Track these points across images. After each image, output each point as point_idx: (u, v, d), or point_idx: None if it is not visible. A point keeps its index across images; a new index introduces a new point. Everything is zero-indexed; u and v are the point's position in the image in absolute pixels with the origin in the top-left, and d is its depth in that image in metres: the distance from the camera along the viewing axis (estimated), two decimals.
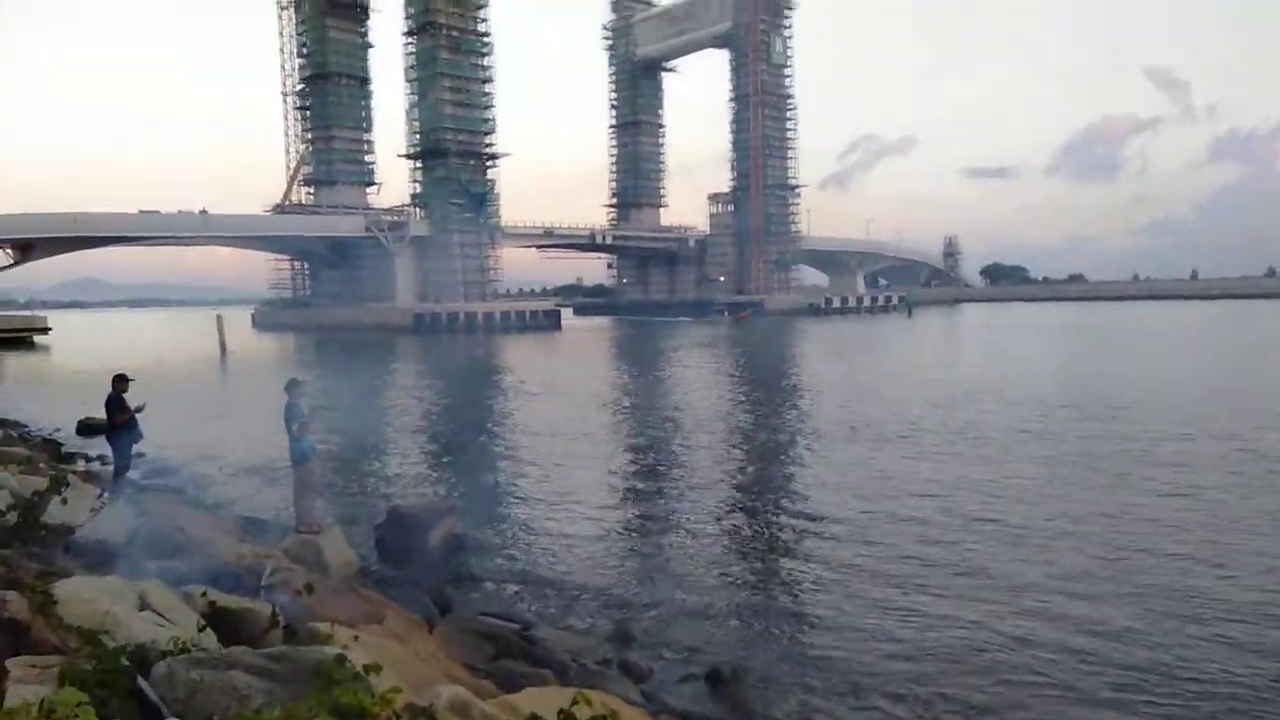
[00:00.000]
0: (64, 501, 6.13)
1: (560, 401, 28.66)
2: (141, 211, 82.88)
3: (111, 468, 10.88)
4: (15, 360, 56.07)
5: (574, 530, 13.32)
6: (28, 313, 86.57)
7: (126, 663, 3.24)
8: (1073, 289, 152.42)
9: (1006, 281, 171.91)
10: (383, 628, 6.70)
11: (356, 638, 5.26)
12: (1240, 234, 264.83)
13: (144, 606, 4.88)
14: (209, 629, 4.86)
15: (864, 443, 19.08)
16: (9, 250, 75.99)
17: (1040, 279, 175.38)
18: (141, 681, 3.21)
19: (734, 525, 13.26)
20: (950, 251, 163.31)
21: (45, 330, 75.84)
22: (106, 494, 7.63)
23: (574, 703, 4.06)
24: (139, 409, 10.68)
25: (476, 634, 8.42)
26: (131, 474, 13.29)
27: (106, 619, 4.32)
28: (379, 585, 9.84)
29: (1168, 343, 51.22)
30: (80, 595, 4.44)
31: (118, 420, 10.41)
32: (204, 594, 5.35)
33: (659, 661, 8.60)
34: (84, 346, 70.25)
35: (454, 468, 17.89)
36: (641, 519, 13.90)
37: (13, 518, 5.45)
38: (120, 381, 10.51)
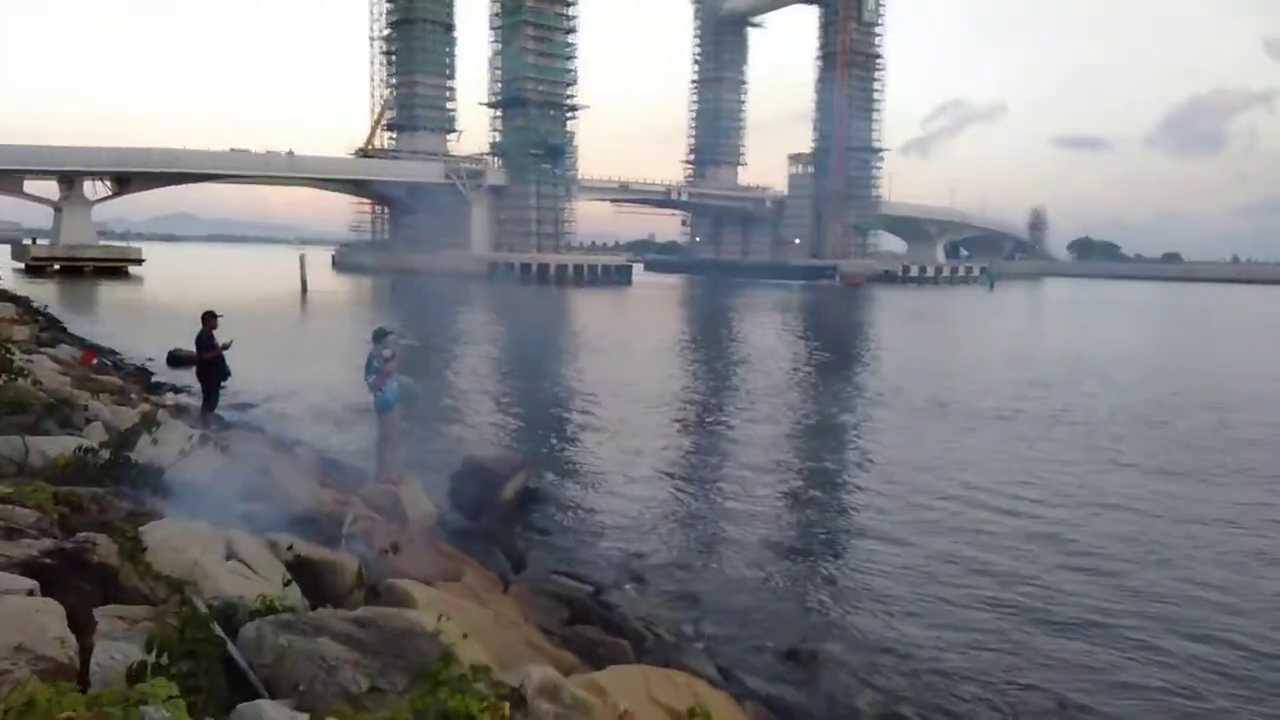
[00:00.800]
0: (154, 441, 6.12)
1: (630, 358, 28.50)
2: (232, 150, 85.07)
3: (200, 402, 11.03)
4: (111, 289, 58.45)
5: (643, 490, 13.17)
6: (124, 244, 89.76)
7: (218, 631, 3.08)
8: (1167, 269, 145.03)
9: (1096, 258, 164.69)
10: (462, 585, 6.58)
11: (440, 611, 5.09)
12: None
13: (230, 555, 4.79)
14: (294, 583, 4.75)
15: (948, 420, 18.42)
16: (108, 182, 78.96)
17: (1133, 256, 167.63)
18: (232, 648, 3.06)
19: (806, 497, 12.90)
20: (1036, 224, 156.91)
21: (139, 261, 78.75)
22: (195, 433, 7.64)
23: (662, 687, 3.84)
24: (226, 346, 10.77)
25: (551, 595, 8.30)
26: (219, 410, 13.57)
27: (195, 569, 4.21)
28: (455, 538, 9.81)
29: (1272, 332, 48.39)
30: (169, 542, 4.34)
31: (207, 356, 10.52)
32: (290, 547, 5.25)
33: (732, 637, 8.39)
34: (175, 278, 72.87)
35: (526, 420, 17.87)
36: (710, 484, 13.67)
37: (105, 454, 5.41)
38: (210, 318, 10.60)
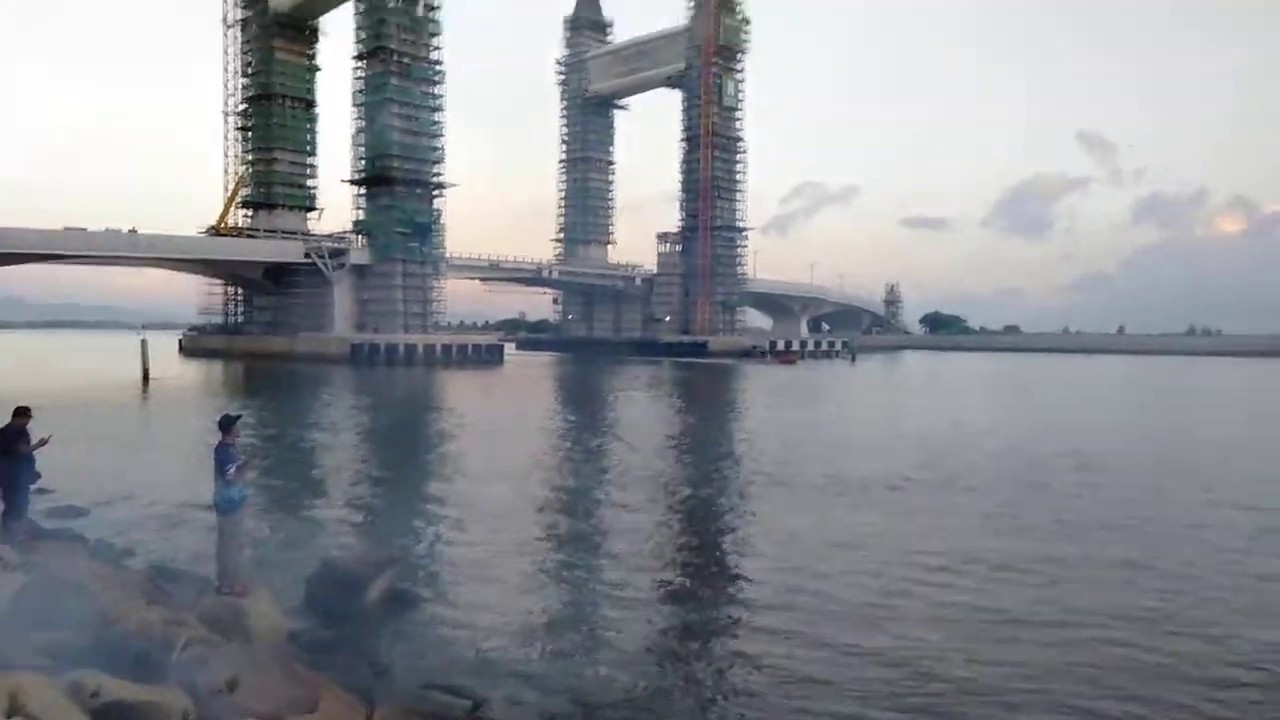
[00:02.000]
0: None
1: (503, 440, 27.58)
2: (67, 229, 79.25)
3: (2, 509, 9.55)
4: None
5: (522, 584, 12.34)
6: None
7: None
8: (1009, 340, 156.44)
9: (945, 330, 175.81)
10: (317, 716, 5.66)
11: None
12: (1162, 292, 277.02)
13: (14, 710, 3.82)
14: None
15: (840, 493, 18.38)
16: None
17: (978, 329, 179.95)
18: None
19: (696, 583, 12.38)
20: (891, 299, 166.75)
21: None
22: None
23: None
24: (42, 442, 9.43)
25: (424, 717, 7.39)
26: (33, 518, 11.90)
27: None
28: (310, 651, 8.72)
29: (1112, 396, 52.34)
30: None
31: (21, 450, 9.18)
32: (95, 693, 4.29)
33: None
34: None
35: (391, 514, 16.63)
36: (592, 573, 12.98)
37: None
38: (21, 415, 9.27)
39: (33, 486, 9.58)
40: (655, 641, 10.12)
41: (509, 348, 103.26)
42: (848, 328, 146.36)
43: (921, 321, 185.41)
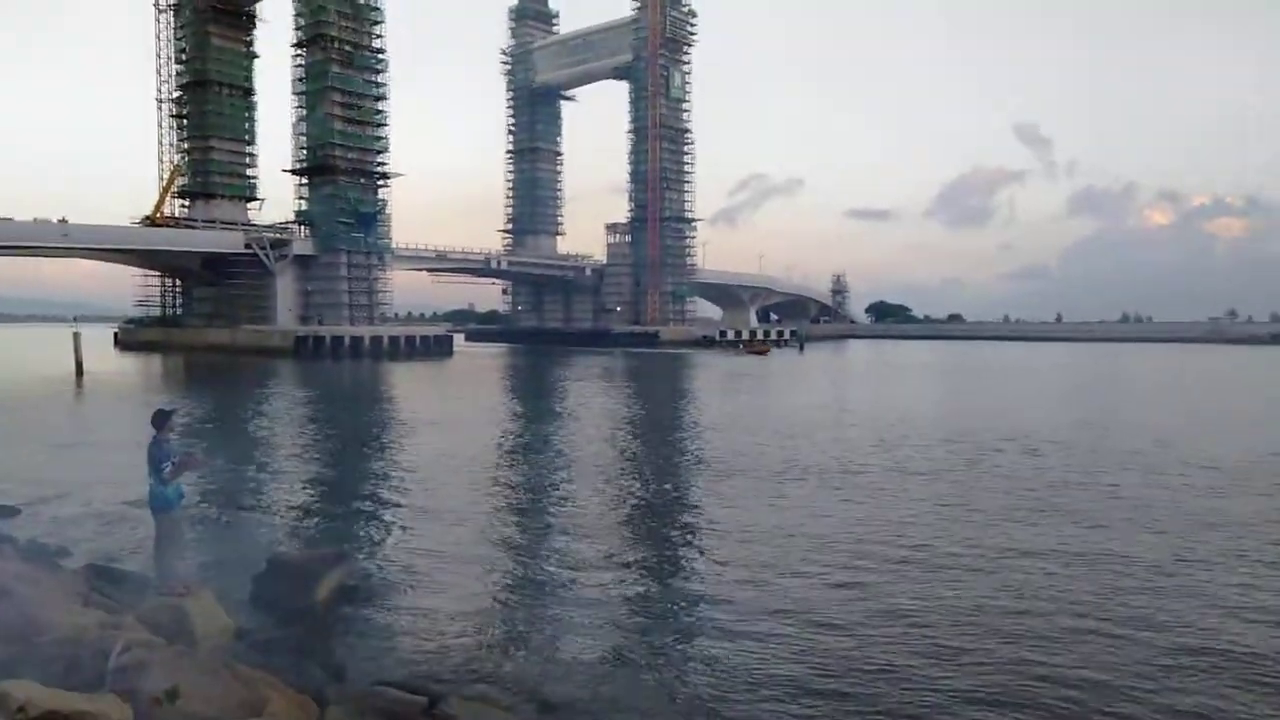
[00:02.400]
0: None
1: (455, 434, 27.16)
2: None
3: None
4: None
5: (477, 576, 12.14)
6: None
7: None
8: (952, 328, 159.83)
9: (891, 319, 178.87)
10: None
11: None
12: (1097, 282, 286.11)
13: None
14: None
15: (793, 478, 18.50)
16: None
17: (922, 317, 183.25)
18: None
19: (656, 571, 12.30)
20: (838, 289, 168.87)
21: None
22: None
23: None
24: None
25: (377, 714, 7.15)
26: None
27: None
28: (258, 651, 8.40)
29: (1052, 382, 53.67)
30: None
31: None
32: (21, 707, 4.01)
33: None
34: None
35: (340, 508, 16.24)
36: (549, 562, 12.85)
37: None
38: None
39: None
40: (612, 636, 9.98)
41: (458, 339, 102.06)
42: (796, 317, 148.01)
43: (868, 311, 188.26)
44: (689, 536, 14.44)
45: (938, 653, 8.86)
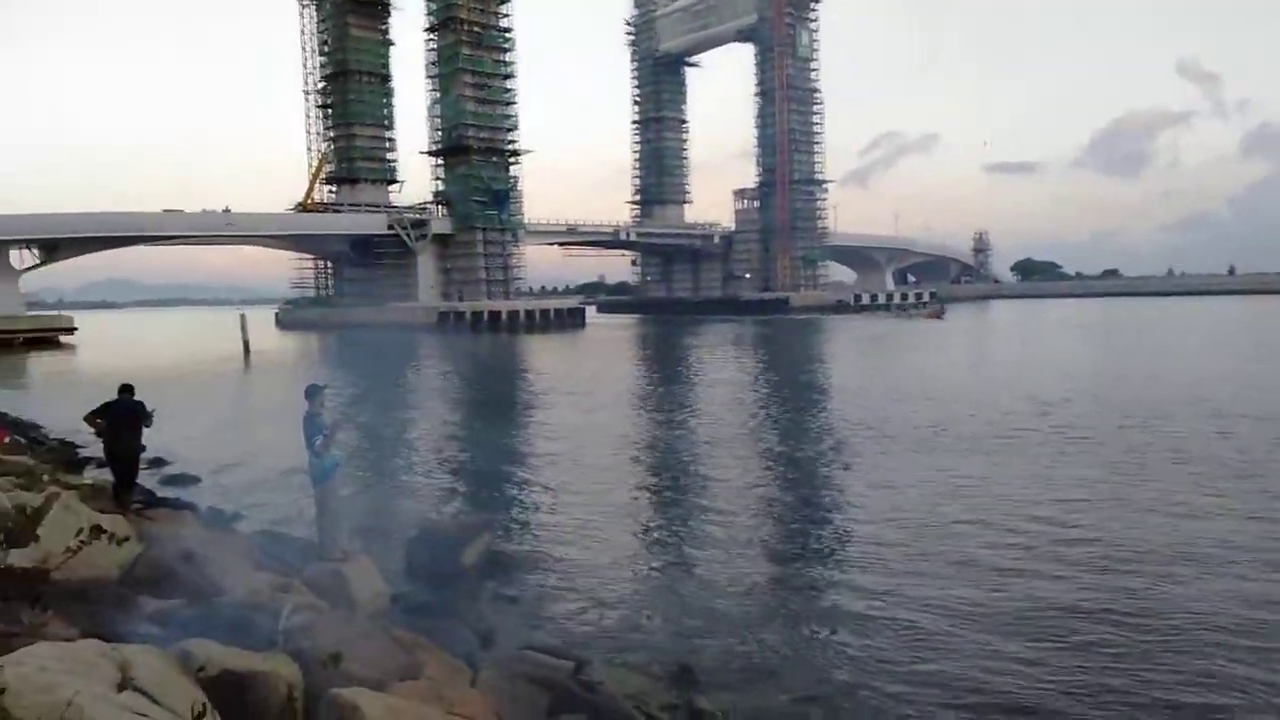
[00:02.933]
0: (36, 539, 5.07)
1: (591, 404, 27.55)
2: (165, 211, 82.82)
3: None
4: (42, 360, 55.88)
5: (617, 544, 12.26)
6: (54, 313, 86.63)
7: None
8: (1108, 284, 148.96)
9: (1039, 277, 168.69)
10: (422, 683, 5.59)
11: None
12: (1275, 229, 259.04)
13: (125, 683, 3.79)
14: (208, 714, 3.76)
15: (951, 447, 17.76)
16: (35, 250, 76.17)
17: (1074, 274, 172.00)
18: None
19: (793, 541, 12.06)
20: (980, 247, 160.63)
21: (71, 330, 75.90)
22: (101, 519, 6.56)
23: None
24: (149, 416, 9.65)
25: (526, 679, 7.31)
26: (145, 484, 12.33)
27: (68, 713, 3.22)
28: (412, 615, 8.78)
29: (1229, 339, 49.29)
30: (35, 680, 3.34)
31: (104, 426, 9.43)
32: (201, 669, 4.25)
33: (735, 710, 7.51)
34: (110, 346, 70.19)
35: (484, 477, 16.79)
36: (689, 530, 12.84)
37: None
38: (127, 390, 9.50)
39: (143, 456, 9.84)
40: (759, 601, 9.89)
41: (590, 311, 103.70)
42: (935, 278, 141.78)
43: (1013, 269, 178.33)
44: (836, 500, 14.06)
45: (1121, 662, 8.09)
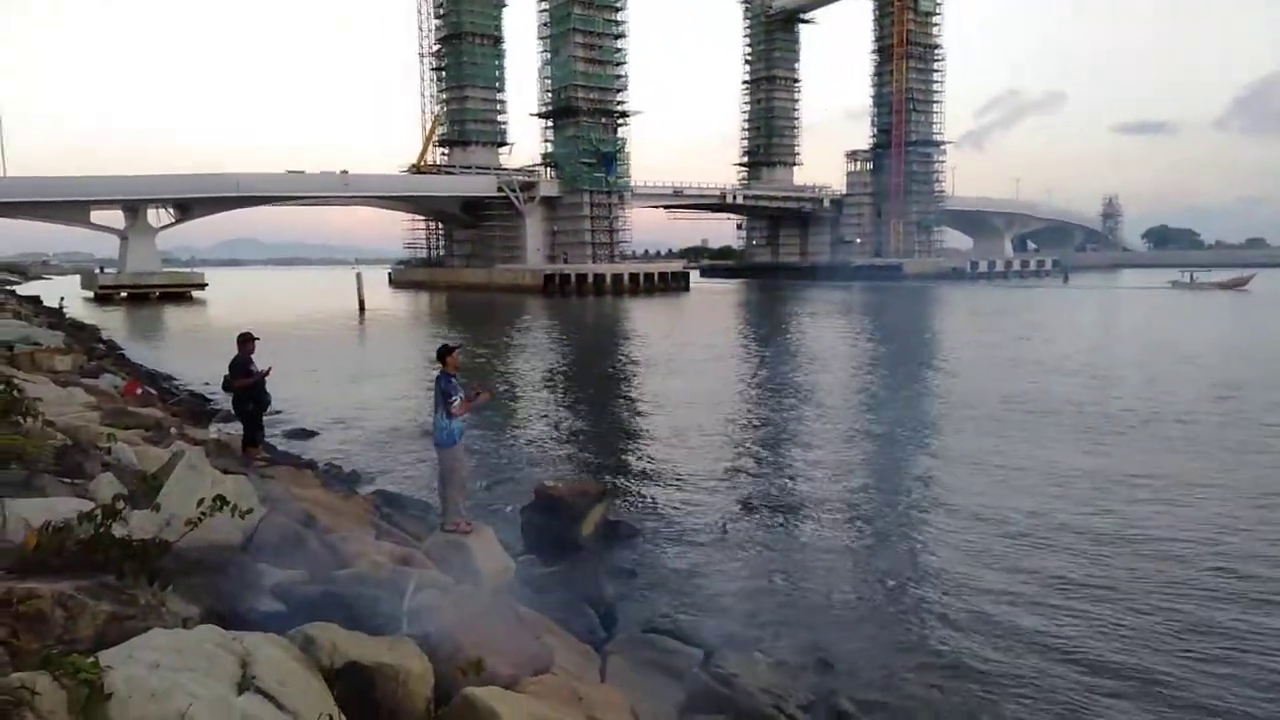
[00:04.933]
0: (156, 508, 4.76)
1: (698, 370, 26.88)
2: (288, 172, 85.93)
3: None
4: (176, 314, 59.02)
5: (731, 516, 11.70)
6: (188, 270, 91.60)
7: None
8: (1252, 254, 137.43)
9: (1174, 246, 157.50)
10: (555, 680, 5.09)
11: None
12: None
13: (246, 682, 3.36)
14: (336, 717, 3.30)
15: (1122, 431, 16.42)
16: (170, 209, 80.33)
17: (1212, 243, 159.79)
18: None
19: (927, 527, 11.15)
20: (1109, 213, 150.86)
21: (202, 286, 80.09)
22: (226, 481, 6.30)
23: None
24: (265, 373, 9.50)
25: (655, 666, 6.79)
26: (271, 440, 12.38)
27: None
28: (532, 589, 8.40)
29: None
30: (147, 683, 2.92)
31: (241, 385, 9.28)
32: (332, 652, 3.82)
33: (882, 712, 6.85)
34: (238, 301, 73.67)
35: (594, 442, 16.41)
36: (807, 502, 12.21)
37: (87, 529, 4.06)
38: (246, 341, 9.33)
39: (265, 413, 9.73)
40: (885, 584, 9.27)
41: (693, 275, 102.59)
42: (1058, 245, 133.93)
43: (1144, 237, 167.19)
44: (970, 478, 13.07)
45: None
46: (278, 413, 17.33)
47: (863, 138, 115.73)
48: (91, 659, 2.87)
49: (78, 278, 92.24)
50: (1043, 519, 10.99)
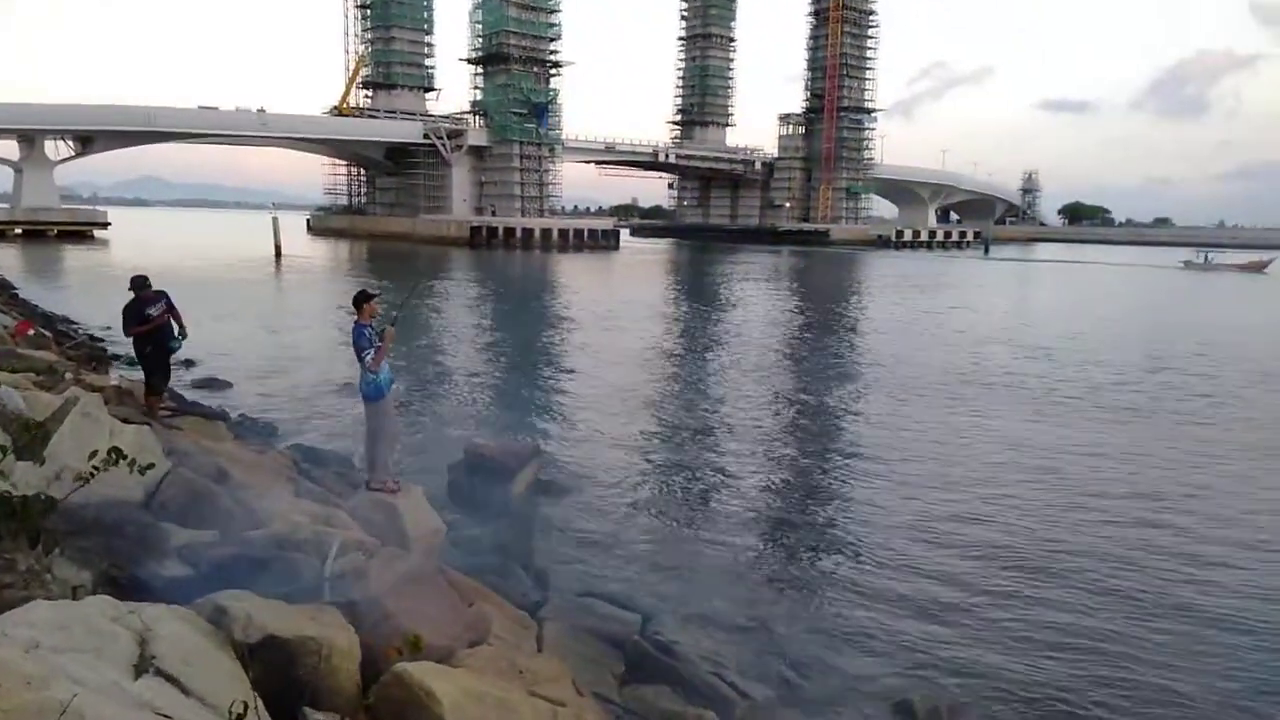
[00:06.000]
0: (42, 461, 4.19)
1: (626, 328, 26.60)
2: (201, 108, 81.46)
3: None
4: (75, 253, 55.62)
5: (663, 475, 11.56)
6: (89, 207, 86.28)
7: None
8: (1158, 233, 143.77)
9: (1087, 222, 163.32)
10: (492, 651, 4.75)
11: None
12: None
13: (145, 663, 2.92)
14: (251, 706, 2.88)
15: (1043, 402, 16.72)
16: (70, 142, 75.34)
17: (1123, 220, 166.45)
18: None
19: (860, 488, 11.15)
20: (1029, 187, 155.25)
21: (105, 225, 75.59)
22: (126, 434, 5.70)
23: None
24: (161, 316, 8.73)
25: (595, 635, 6.52)
26: (178, 389, 11.57)
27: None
28: (463, 551, 8.03)
29: None
30: (22, 667, 2.46)
31: (136, 331, 8.53)
32: (244, 628, 3.40)
33: (822, 677, 6.74)
34: (143, 242, 69.92)
35: (521, 400, 15.95)
36: (740, 458, 12.19)
37: None
38: (140, 284, 8.55)
39: (172, 359, 8.98)
40: (817, 547, 9.23)
41: (623, 233, 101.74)
42: (979, 218, 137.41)
43: (1060, 212, 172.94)
44: (887, 448, 13.17)
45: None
46: (190, 363, 16.37)
47: (796, 102, 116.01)
48: None
49: None
50: (991, 489, 11.10)
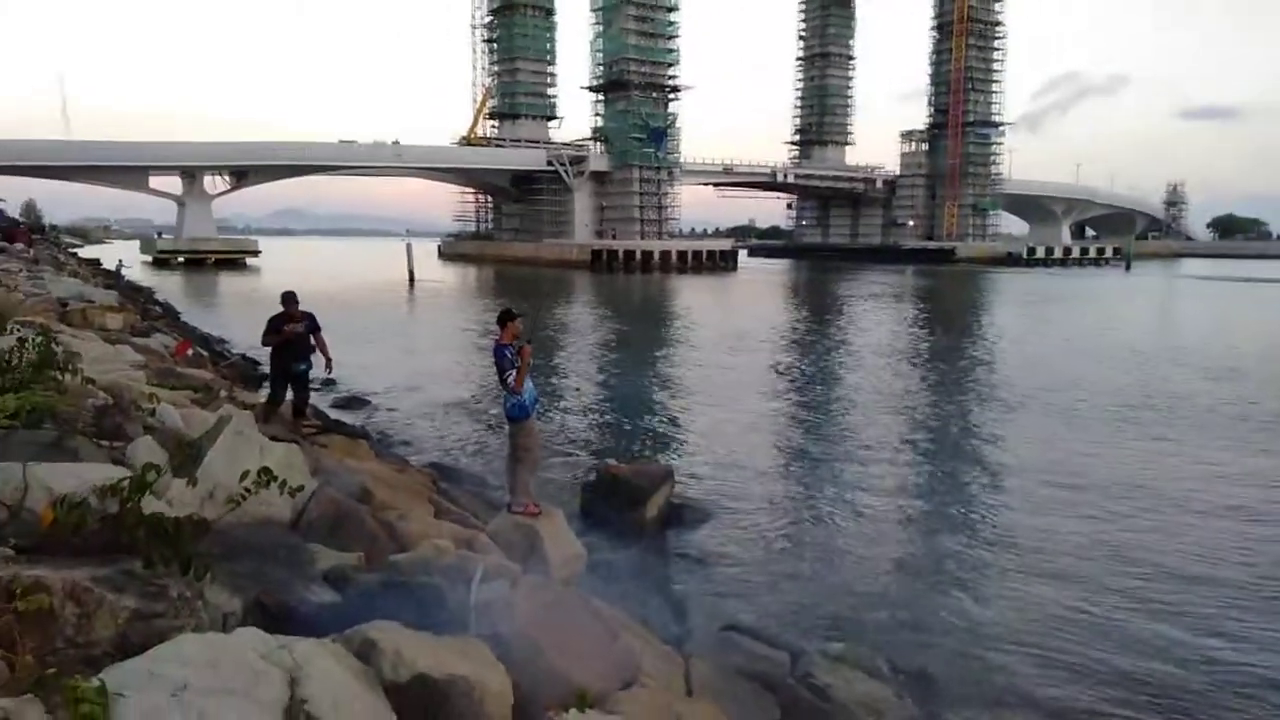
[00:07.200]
0: (191, 482, 4.11)
1: (751, 352, 25.97)
2: (341, 142, 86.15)
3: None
4: (230, 279, 59.51)
5: (802, 501, 10.95)
6: (242, 236, 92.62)
7: None
8: None
9: (1241, 236, 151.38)
10: (647, 695, 4.37)
11: None
12: None
13: (295, 708, 2.68)
14: None
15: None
16: (226, 176, 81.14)
17: None
18: None
19: (1011, 513, 10.25)
20: (1173, 200, 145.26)
21: (256, 253, 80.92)
22: (276, 453, 5.67)
23: None
24: (292, 331, 8.86)
25: (745, 676, 6.06)
26: (321, 408, 11.85)
27: None
28: (602, 579, 7.72)
29: None
30: (166, 717, 2.24)
31: (268, 340, 8.70)
32: (393, 666, 3.14)
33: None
34: (289, 268, 74.20)
35: (650, 423, 15.63)
36: (883, 498, 11.35)
37: (113, 504, 3.44)
38: (287, 299, 8.72)
39: (309, 377, 9.12)
40: (977, 589, 8.39)
41: (741, 254, 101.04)
42: (1117, 233, 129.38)
43: (1210, 226, 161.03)
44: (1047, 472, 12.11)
45: None
46: (330, 382, 16.92)
47: (917, 119, 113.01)
48: (97, 683, 2.21)
49: (137, 243, 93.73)
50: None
